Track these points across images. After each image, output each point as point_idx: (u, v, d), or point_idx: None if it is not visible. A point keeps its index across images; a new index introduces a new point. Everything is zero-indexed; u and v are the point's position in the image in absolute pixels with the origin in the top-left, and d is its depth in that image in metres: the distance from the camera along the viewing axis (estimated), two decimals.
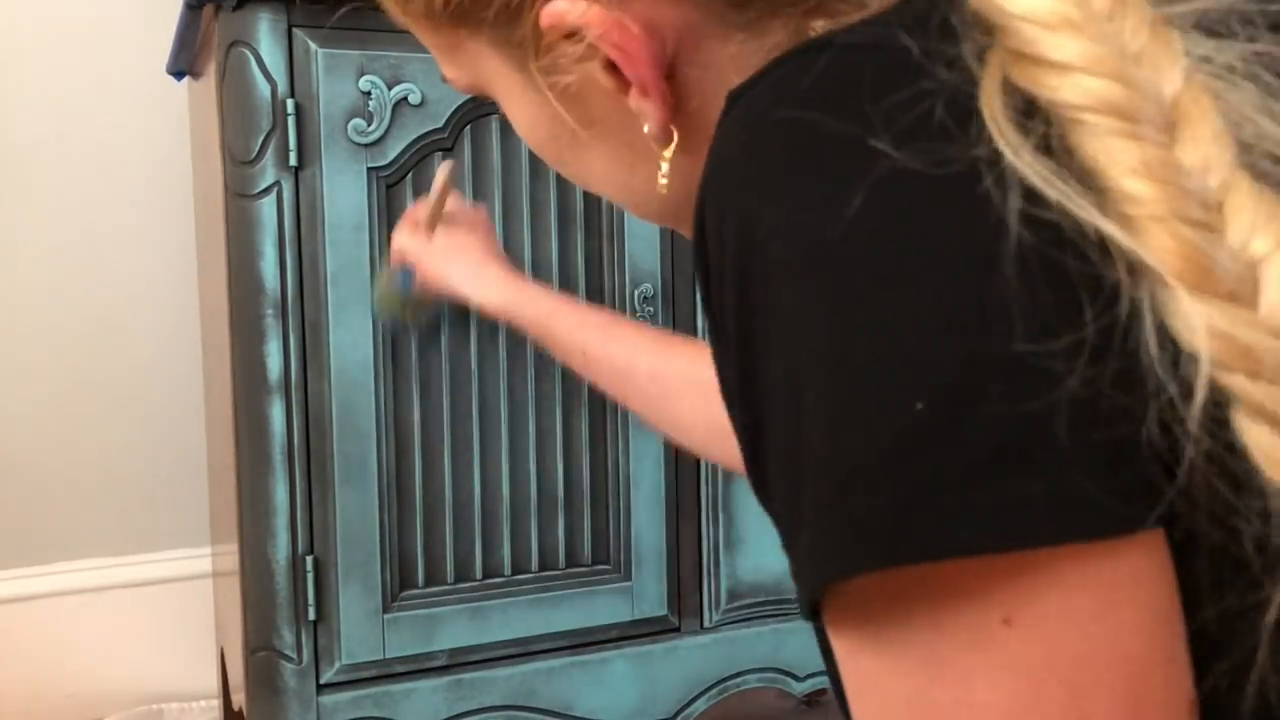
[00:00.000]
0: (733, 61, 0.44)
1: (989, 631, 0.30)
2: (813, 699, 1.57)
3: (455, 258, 0.97)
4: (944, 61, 0.33)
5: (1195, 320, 0.30)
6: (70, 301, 1.53)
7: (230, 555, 1.15)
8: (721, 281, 0.35)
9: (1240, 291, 0.30)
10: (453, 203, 1.00)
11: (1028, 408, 0.29)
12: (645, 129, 0.46)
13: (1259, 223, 0.30)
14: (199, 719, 1.55)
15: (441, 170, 0.99)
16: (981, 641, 0.31)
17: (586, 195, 1.13)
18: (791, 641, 1.24)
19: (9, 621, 1.51)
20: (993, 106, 0.32)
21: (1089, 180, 0.31)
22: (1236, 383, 0.30)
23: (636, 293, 1.15)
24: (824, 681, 1.26)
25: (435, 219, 0.98)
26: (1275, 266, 0.29)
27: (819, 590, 0.33)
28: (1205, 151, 0.31)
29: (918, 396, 0.30)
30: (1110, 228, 0.30)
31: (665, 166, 0.47)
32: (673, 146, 0.46)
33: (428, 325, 1.08)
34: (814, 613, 0.34)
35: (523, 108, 0.50)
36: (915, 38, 0.33)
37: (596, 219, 1.14)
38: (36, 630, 1.52)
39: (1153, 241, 0.30)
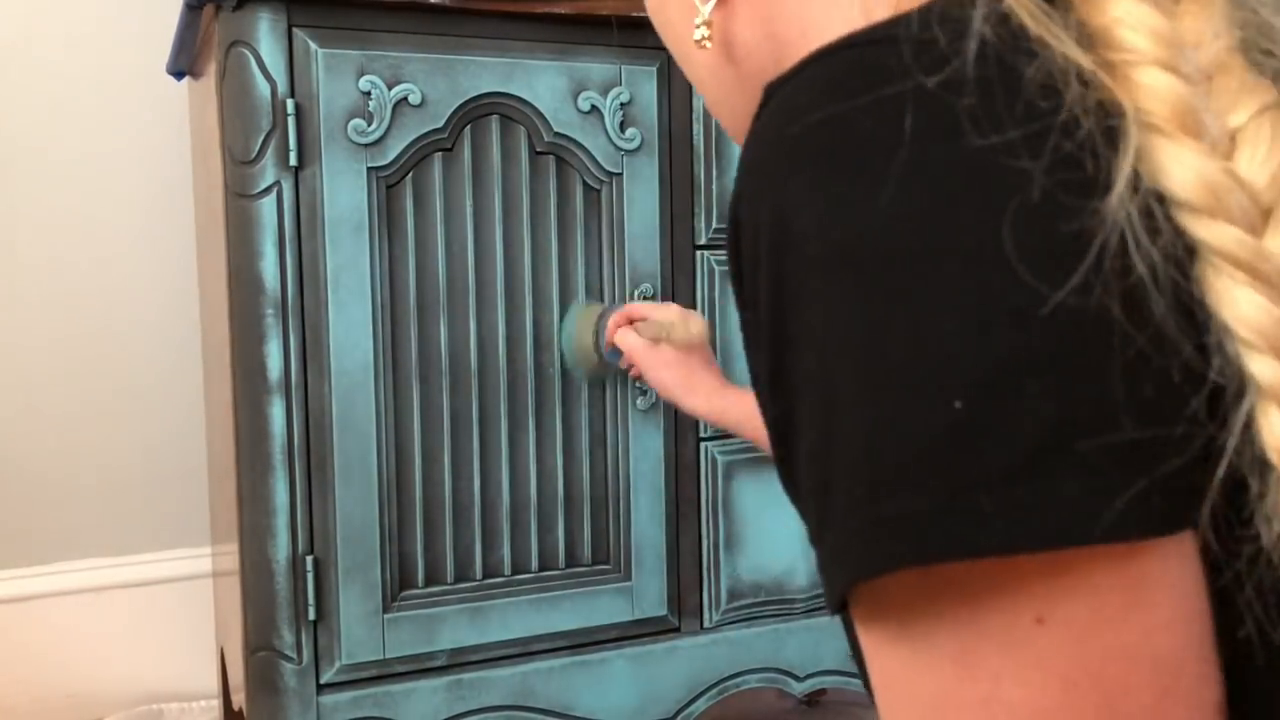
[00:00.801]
0: None
1: (1021, 630, 0.31)
2: (813, 699, 1.57)
3: (673, 367, 1.04)
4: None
5: (1184, 161, 0.31)
6: (70, 301, 1.53)
7: (230, 555, 1.15)
8: (755, 275, 0.35)
9: (1219, 149, 0.32)
10: (673, 313, 1.05)
11: (1064, 405, 0.30)
12: None
13: (1241, 97, 0.33)
14: (199, 719, 1.55)
15: (699, 325, 1.05)
16: (1013, 640, 0.31)
17: (586, 195, 1.13)
18: (791, 641, 1.24)
19: (9, 621, 1.51)
20: None
21: (1089, 44, 0.33)
22: (1211, 231, 0.31)
23: (636, 293, 1.15)
24: (824, 681, 1.26)
25: (660, 339, 1.05)
26: (1250, 133, 0.32)
27: (851, 586, 0.33)
28: (1205, 28, 0.33)
29: (956, 395, 0.30)
30: (1101, 74, 0.32)
31: (703, 19, 0.47)
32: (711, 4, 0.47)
33: (598, 379, 1.15)
34: (842, 606, 0.34)
35: None
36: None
37: (596, 219, 1.14)
38: (36, 630, 1.52)
39: (1142, 89, 0.32)
